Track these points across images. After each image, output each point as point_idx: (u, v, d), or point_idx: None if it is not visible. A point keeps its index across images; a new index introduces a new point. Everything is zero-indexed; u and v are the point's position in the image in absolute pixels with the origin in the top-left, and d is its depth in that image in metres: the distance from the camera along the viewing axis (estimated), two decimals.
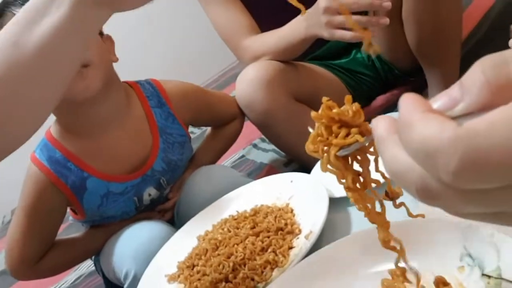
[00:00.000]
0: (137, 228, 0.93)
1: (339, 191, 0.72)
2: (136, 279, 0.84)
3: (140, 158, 0.96)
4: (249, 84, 1.04)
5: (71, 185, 0.91)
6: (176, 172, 1.02)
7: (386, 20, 0.85)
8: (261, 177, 1.21)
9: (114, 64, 0.96)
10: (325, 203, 0.68)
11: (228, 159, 1.42)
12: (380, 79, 1.28)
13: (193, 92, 1.08)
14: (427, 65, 1.17)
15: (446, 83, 1.16)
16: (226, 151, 1.18)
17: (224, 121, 1.13)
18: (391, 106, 1.27)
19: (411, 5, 1.07)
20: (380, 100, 1.28)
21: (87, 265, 1.29)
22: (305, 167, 1.14)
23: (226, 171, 1.02)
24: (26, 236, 0.92)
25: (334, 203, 0.71)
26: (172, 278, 0.75)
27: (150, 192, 0.98)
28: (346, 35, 0.89)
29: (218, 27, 1.18)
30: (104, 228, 1.00)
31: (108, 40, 0.96)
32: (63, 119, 0.93)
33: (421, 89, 1.25)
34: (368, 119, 1.08)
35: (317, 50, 1.27)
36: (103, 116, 0.92)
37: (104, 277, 1.03)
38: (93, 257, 1.07)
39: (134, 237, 0.90)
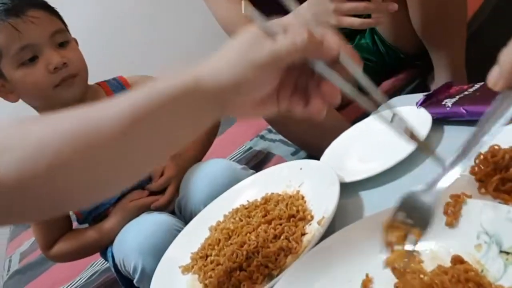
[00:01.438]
0: (141, 221, 0.98)
1: (350, 176, 0.72)
2: (144, 273, 0.89)
3: None
4: None
5: None
6: None
7: (395, 6, 0.84)
8: (269, 167, 1.22)
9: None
10: (336, 188, 0.68)
11: (235, 151, 1.42)
12: (384, 64, 1.28)
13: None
14: (433, 48, 1.16)
15: (453, 65, 1.15)
16: (210, 141, 1.19)
17: None
18: (397, 91, 1.26)
19: None
20: (385, 85, 1.27)
21: (102, 262, 1.30)
22: (313, 155, 1.14)
23: (225, 165, 1.03)
24: (36, 225, 1.06)
25: (345, 188, 0.70)
26: (186, 269, 0.75)
27: None
28: (355, 22, 0.89)
29: (220, 19, 1.17)
30: (100, 223, 1.07)
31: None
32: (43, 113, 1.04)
33: (427, 72, 1.24)
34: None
35: None
36: (72, 105, 1.02)
37: (116, 271, 1.06)
38: (107, 253, 1.09)
39: (139, 231, 0.94)
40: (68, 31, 1.02)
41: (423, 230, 0.44)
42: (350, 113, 1.21)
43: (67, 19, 1.03)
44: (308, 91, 0.52)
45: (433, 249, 0.49)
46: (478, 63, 1.29)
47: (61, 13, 1.02)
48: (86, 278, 1.30)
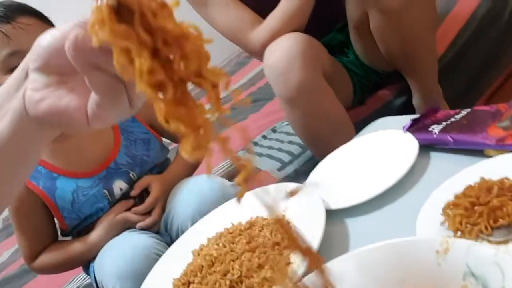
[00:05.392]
0: (121, 243, 0.97)
1: (336, 203, 0.71)
2: None
3: (104, 155, 1.05)
4: (285, 52, 0.97)
5: (43, 186, 1.01)
6: (145, 167, 1.08)
7: None
8: (255, 182, 1.20)
9: None
10: (322, 216, 0.67)
11: (221, 164, 1.40)
12: (370, 78, 1.27)
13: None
14: (403, 73, 1.16)
15: (426, 88, 1.14)
16: (198, 162, 1.16)
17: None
18: (385, 105, 1.26)
19: (374, 21, 1.06)
20: (371, 101, 1.27)
21: (84, 277, 1.28)
22: (314, 159, 1.12)
23: (213, 180, 1.02)
24: (20, 236, 1.05)
25: (331, 215, 0.69)
26: None
27: (120, 186, 1.05)
28: None
29: (221, 27, 1.13)
30: (85, 236, 1.06)
31: None
32: None
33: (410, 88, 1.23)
34: (362, 119, 1.07)
35: None
36: None
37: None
38: (90, 268, 1.07)
39: (118, 255, 0.93)
40: None
41: None
42: (353, 116, 1.18)
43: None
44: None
45: None
46: (458, 87, 1.31)
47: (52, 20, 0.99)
48: None
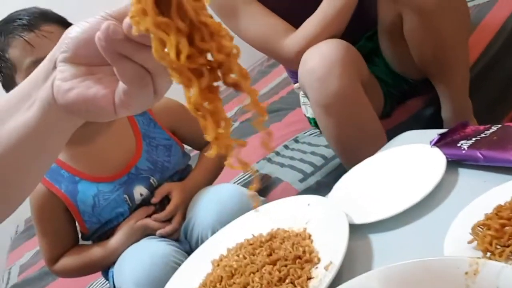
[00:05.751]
0: (140, 250, 0.97)
1: (360, 217, 0.70)
2: None
3: (125, 160, 1.05)
4: (324, 58, 0.96)
5: (65, 190, 1.03)
6: (166, 173, 1.08)
7: None
8: (276, 193, 1.20)
9: None
10: (345, 231, 0.65)
11: (241, 173, 1.40)
12: (399, 87, 1.25)
13: (174, 103, 1.14)
14: (434, 82, 1.14)
15: (455, 100, 1.12)
16: (219, 169, 1.16)
17: (204, 140, 1.17)
18: (411, 118, 1.24)
19: (408, 23, 1.04)
20: (398, 112, 1.25)
21: (102, 282, 1.28)
22: (337, 170, 1.11)
23: (234, 190, 1.01)
24: (42, 239, 1.06)
25: (354, 229, 0.68)
26: None
27: (141, 192, 1.05)
28: None
29: (253, 37, 1.11)
30: (106, 240, 1.06)
31: None
32: None
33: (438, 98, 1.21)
34: (389, 130, 1.04)
35: None
36: (92, 126, 1.01)
37: None
38: (109, 273, 1.07)
39: (137, 262, 0.93)
40: None
41: None
42: (384, 125, 1.16)
43: None
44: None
45: None
46: (488, 98, 1.28)
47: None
48: None
